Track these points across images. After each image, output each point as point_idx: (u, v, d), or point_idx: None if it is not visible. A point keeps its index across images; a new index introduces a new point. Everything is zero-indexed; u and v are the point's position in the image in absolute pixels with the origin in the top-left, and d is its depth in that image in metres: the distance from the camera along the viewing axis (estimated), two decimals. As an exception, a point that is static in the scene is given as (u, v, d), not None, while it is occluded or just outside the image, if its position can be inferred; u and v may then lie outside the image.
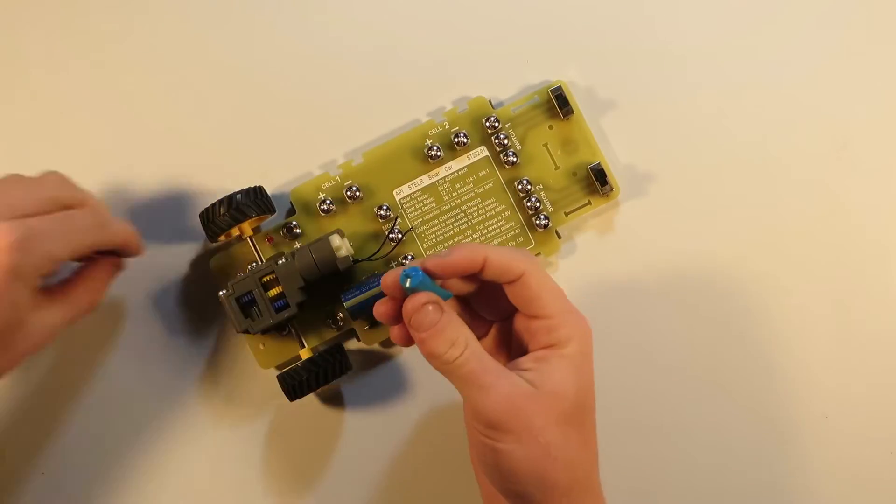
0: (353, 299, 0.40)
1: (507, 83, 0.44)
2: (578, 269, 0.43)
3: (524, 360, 0.34)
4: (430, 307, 0.33)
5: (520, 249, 0.38)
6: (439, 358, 0.33)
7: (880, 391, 0.42)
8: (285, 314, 0.38)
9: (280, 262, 0.39)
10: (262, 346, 0.41)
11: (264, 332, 0.39)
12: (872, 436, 0.42)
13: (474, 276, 0.34)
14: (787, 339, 0.42)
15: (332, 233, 0.39)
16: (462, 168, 0.42)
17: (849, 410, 0.42)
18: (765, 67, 0.44)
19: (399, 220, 0.41)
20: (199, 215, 0.39)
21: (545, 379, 0.33)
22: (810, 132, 0.43)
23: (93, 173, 0.42)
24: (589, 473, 0.34)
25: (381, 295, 0.37)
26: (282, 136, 0.44)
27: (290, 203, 0.42)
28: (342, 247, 0.39)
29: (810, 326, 0.42)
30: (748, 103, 0.44)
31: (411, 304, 0.33)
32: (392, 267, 0.41)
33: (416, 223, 0.42)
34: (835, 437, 0.42)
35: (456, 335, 0.33)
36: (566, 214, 0.42)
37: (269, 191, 0.41)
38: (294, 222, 0.41)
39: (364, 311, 0.40)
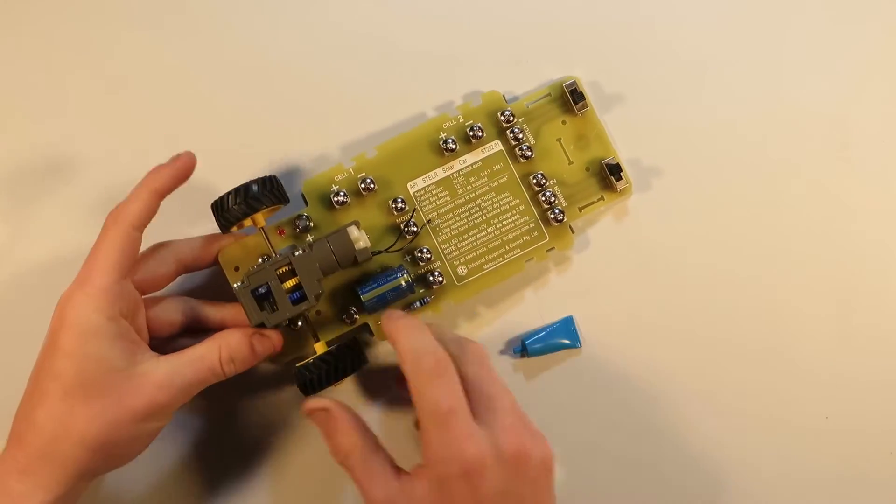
0: (371, 292, 0.39)
1: (511, 79, 0.44)
2: (592, 263, 0.43)
3: (414, 469, 0.34)
4: (317, 415, 0.36)
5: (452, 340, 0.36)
6: (335, 458, 0.35)
7: (880, 391, 0.42)
8: (303, 307, 0.37)
9: (297, 253, 0.37)
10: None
11: (280, 325, 0.38)
12: (872, 436, 0.42)
13: None
14: (788, 339, 0.43)
15: (350, 224, 0.39)
16: (476, 161, 0.42)
17: (849, 410, 0.42)
18: (766, 67, 0.45)
19: (415, 214, 0.41)
20: (211, 205, 0.38)
21: (414, 494, 0.33)
22: (810, 132, 0.44)
23: (107, 162, 0.42)
24: None
25: (399, 288, 0.39)
26: (293, 128, 0.43)
27: (302, 195, 0.41)
28: (360, 238, 0.38)
29: (811, 327, 0.43)
30: (750, 104, 0.44)
31: (306, 406, 0.36)
32: (407, 260, 0.41)
33: (430, 216, 0.41)
34: (835, 437, 0.42)
35: (338, 443, 0.35)
36: (580, 210, 0.42)
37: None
38: (306, 214, 0.40)
39: (380, 305, 0.39)
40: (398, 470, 0.34)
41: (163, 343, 0.39)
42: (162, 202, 0.37)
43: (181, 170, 0.37)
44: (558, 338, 0.42)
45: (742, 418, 0.42)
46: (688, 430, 0.42)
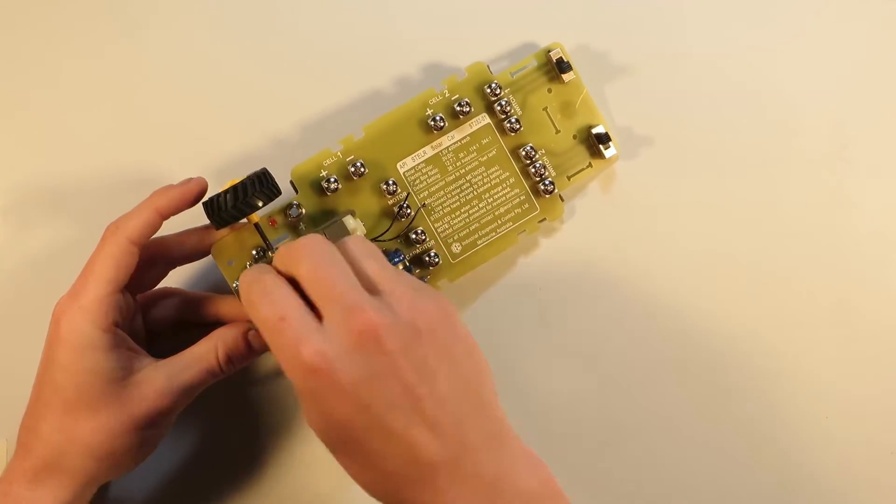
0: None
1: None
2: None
3: None
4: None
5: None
6: None
7: (880, 391, 0.43)
8: (304, 302, 0.37)
9: (294, 248, 0.37)
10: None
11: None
12: (872, 436, 0.43)
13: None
14: (788, 339, 0.43)
15: (346, 214, 0.38)
16: (465, 137, 0.41)
17: (849, 411, 0.43)
18: (765, 66, 0.44)
19: (409, 198, 0.40)
20: (203, 204, 0.37)
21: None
22: (810, 132, 0.44)
23: (93, 158, 0.42)
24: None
25: None
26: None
27: (291, 182, 0.40)
28: (357, 228, 0.38)
29: (811, 327, 0.43)
30: (748, 102, 0.44)
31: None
32: (401, 241, 0.41)
33: (422, 195, 0.41)
34: (835, 438, 0.42)
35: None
36: (568, 178, 0.42)
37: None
38: (297, 202, 0.39)
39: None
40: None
41: (158, 338, 0.39)
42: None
43: (189, 194, 0.37)
44: None
45: (741, 418, 0.43)
46: (685, 429, 0.43)
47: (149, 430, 0.35)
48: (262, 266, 0.34)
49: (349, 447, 0.31)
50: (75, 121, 0.42)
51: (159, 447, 0.37)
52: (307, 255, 0.32)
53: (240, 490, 0.42)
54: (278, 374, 0.42)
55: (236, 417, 0.42)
